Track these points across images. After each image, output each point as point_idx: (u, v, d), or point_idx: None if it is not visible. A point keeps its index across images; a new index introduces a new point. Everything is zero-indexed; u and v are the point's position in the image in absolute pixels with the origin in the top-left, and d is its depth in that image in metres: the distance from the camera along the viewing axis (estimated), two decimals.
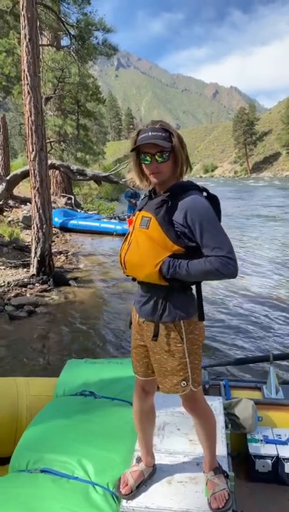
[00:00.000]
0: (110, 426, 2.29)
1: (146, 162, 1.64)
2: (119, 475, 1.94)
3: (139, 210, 1.74)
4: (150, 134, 1.61)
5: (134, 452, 2.11)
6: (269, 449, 2.40)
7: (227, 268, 1.57)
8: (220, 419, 2.37)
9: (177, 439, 2.24)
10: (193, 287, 1.74)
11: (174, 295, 1.68)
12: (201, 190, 1.69)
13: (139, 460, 2.02)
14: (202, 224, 1.58)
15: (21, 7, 6.85)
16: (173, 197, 1.64)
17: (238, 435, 2.49)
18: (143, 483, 1.93)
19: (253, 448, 2.41)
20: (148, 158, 1.63)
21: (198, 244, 1.61)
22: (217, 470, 1.94)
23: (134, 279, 1.76)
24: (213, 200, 1.68)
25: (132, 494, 1.86)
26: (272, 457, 2.36)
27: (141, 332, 1.82)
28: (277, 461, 2.36)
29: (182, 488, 1.92)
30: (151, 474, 1.99)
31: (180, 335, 1.69)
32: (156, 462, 2.04)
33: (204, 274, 1.60)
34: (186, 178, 1.74)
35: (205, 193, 1.69)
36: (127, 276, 1.76)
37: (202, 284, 1.76)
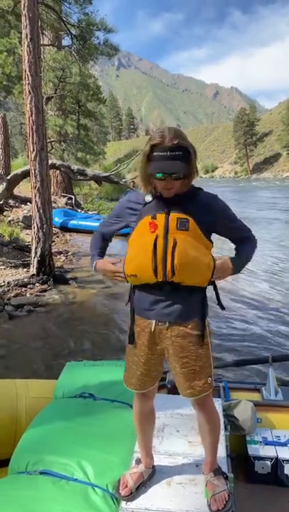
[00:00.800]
0: (110, 428, 2.29)
1: (159, 178, 1.60)
2: (119, 477, 1.94)
3: (153, 213, 1.66)
4: (169, 154, 1.55)
5: (133, 454, 2.11)
6: (268, 451, 2.40)
7: (256, 246, 1.87)
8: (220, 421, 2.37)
9: (177, 440, 2.25)
10: None
11: (199, 294, 1.74)
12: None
13: (138, 461, 2.02)
14: (229, 214, 1.76)
15: (23, 6, 6.85)
16: (193, 198, 1.68)
17: (238, 437, 2.49)
18: (142, 485, 1.93)
19: (252, 449, 2.41)
20: (162, 176, 1.58)
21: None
22: (217, 471, 1.94)
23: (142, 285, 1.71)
24: None
25: (132, 496, 1.86)
26: (272, 459, 2.36)
27: (157, 340, 1.75)
28: (277, 463, 2.36)
29: (181, 490, 1.92)
30: (151, 476, 1.99)
31: (206, 332, 1.75)
32: (155, 464, 2.04)
33: (251, 258, 1.86)
34: None
35: None
36: (157, 283, 1.66)
37: None
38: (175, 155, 1.55)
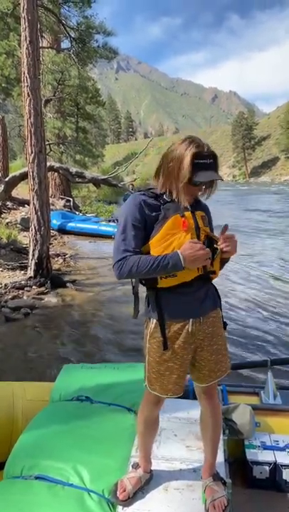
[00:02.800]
0: (106, 432, 2.26)
1: (196, 185, 1.65)
2: (115, 481, 1.92)
3: (180, 212, 1.67)
4: (209, 161, 1.61)
5: (130, 458, 2.09)
6: (267, 456, 2.38)
7: None
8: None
9: (174, 445, 2.22)
10: None
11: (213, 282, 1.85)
12: None
13: (136, 466, 1.99)
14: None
15: (22, 9, 6.86)
16: (198, 201, 1.81)
17: (236, 441, 2.47)
18: (139, 490, 1.91)
19: (251, 454, 2.39)
20: (201, 185, 1.70)
21: None
22: (216, 476, 1.92)
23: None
24: None
25: (129, 501, 1.84)
26: (270, 463, 2.34)
27: (192, 339, 1.73)
28: (275, 468, 2.34)
29: (179, 496, 1.89)
30: (148, 481, 1.97)
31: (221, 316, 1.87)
32: (153, 468, 2.02)
33: None
34: None
35: None
36: (194, 278, 1.67)
37: None
38: (214, 162, 1.63)
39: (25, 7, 6.78)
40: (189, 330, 1.71)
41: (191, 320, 1.71)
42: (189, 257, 1.57)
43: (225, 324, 1.88)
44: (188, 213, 1.68)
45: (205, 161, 1.59)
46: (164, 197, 1.70)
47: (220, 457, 2.07)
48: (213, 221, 1.88)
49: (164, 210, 1.67)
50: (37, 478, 1.94)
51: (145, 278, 1.69)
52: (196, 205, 1.76)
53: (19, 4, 7.20)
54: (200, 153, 1.59)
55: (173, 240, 1.63)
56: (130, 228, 1.66)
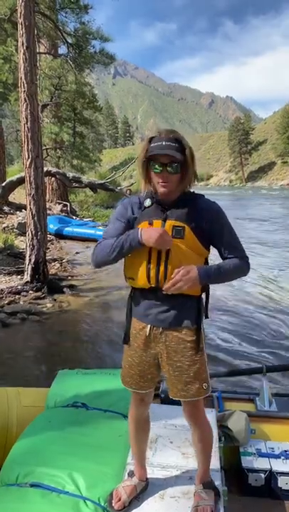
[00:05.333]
0: (102, 438, 2.26)
1: (156, 171, 1.64)
2: (111, 489, 1.91)
3: (150, 219, 1.68)
4: (164, 143, 1.60)
5: (126, 466, 2.08)
6: (262, 463, 2.38)
7: (248, 267, 1.75)
8: (212, 432, 2.35)
9: (170, 452, 2.22)
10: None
11: (194, 301, 1.73)
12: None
13: (131, 474, 1.99)
14: (227, 226, 1.72)
15: (19, 15, 6.88)
16: (191, 204, 1.68)
17: (231, 448, 2.46)
18: (135, 498, 1.90)
19: (246, 461, 2.39)
20: (158, 167, 1.63)
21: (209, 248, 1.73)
22: (208, 484, 1.91)
23: (149, 290, 1.70)
24: None
25: (125, 510, 1.83)
26: (265, 471, 2.34)
27: (151, 344, 1.76)
28: (270, 475, 2.34)
29: (175, 504, 1.89)
30: (144, 489, 1.96)
31: (201, 338, 1.74)
32: (148, 476, 2.01)
33: (231, 275, 1.73)
34: None
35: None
36: (151, 288, 1.69)
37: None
38: (170, 145, 1.60)
39: (23, 13, 6.81)
40: (147, 333, 1.75)
41: (149, 325, 1.74)
42: (145, 233, 1.62)
43: (199, 349, 1.73)
44: (157, 222, 1.66)
45: (160, 143, 1.60)
46: (147, 202, 1.72)
47: (215, 464, 2.07)
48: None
49: (140, 216, 1.72)
50: (32, 485, 1.92)
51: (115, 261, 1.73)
52: (181, 211, 1.66)
53: (16, 10, 7.21)
54: (155, 137, 1.63)
55: None
56: (113, 221, 1.78)
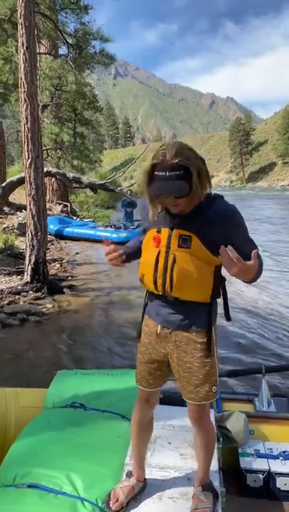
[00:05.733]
0: (100, 439, 2.25)
1: (161, 198, 1.63)
2: (109, 490, 1.91)
3: (158, 227, 1.68)
4: (167, 174, 1.52)
5: (124, 466, 2.08)
6: (260, 464, 2.37)
7: (262, 268, 1.63)
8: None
9: (168, 453, 2.21)
10: None
11: (205, 306, 1.72)
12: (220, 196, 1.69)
13: (129, 475, 1.98)
14: (243, 226, 1.66)
15: (19, 15, 6.89)
16: (204, 211, 1.63)
17: (230, 449, 2.46)
18: (133, 499, 1.90)
19: (245, 462, 2.38)
20: (163, 198, 1.61)
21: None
22: (207, 486, 1.91)
23: (158, 296, 1.73)
24: None
25: (122, 510, 1.83)
26: (264, 472, 2.34)
27: (162, 343, 1.77)
28: (269, 476, 2.33)
29: (173, 505, 1.88)
30: (142, 489, 1.96)
31: (212, 341, 1.73)
32: (146, 477, 2.01)
33: (260, 271, 1.61)
34: None
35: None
36: (158, 295, 1.71)
37: None
38: (174, 175, 1.51)
39: (23, 13, 6.81)
40: (158, 332, 1.77)
41: (160, 325, 1.76)
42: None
43: (210, 352, 1.72)
44: (165, 230, 1.65)
45: (164, 173, 1.52)
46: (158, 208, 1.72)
47: (214, 465, 2.07)
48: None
49: (151, 222, 1.73)
50: (29, 486, 1.91)
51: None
52: (190, 219, 1.63)
53: (16, 10, 7.22)
54: (159, 165, 1.54)
55: (145, 252, 1.74)
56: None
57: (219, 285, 1.71)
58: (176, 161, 1.51)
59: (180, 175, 1.51)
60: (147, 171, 1.58)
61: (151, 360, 1.81)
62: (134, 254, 1.90)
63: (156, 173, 1.55)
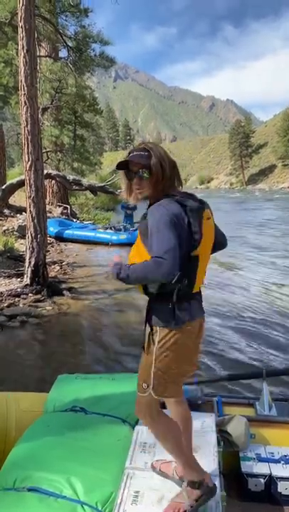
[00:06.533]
0: (101, 443, 2.24)
1: (131, 179, 1.80)
2: (109, 494, 1.90)
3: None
4: (134, 153, 1.77)
5: (124, 470, 2.07)
6: (262, 468, 2.36)
7: (158, 268, 1.56)
8: (212, 437, 2.33)
9: (170, 456, 2.19)
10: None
11: (156, 302, 1.76)
12: (176, 198, 1.71)
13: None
14: (152, 229, 1.66)
15: (19, 19, 6.90)
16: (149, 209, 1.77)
17: (231, 453, 2.45)
18: (132, 502, 1.88)
19: (246, 466, 2.37)
20: (132, 175, 1.78)
21: None
22: (191, 484, 1.87)
23: None
24: (186, 207, 1.69)
25: None
26: (265, 476, 2.32)
27: None
28: (270, 480, 2.32)
29: None
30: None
31: (154, 339, 1.75)
32: (147, 480, 2.00)
33: (144, 276, 1.63)
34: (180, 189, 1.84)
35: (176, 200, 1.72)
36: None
37: None
38: (137, 153, 1.76)
39: (23, 16, 6.83)
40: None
41: None
42: None
43: (148, 350, 1.77)
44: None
45: (132, 153, 1.78)
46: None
47: (215, 469, 2.06)
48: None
49: None
50: (30, 490, 1.91)
51: None
52: (144, 217, 1.77)
53: (17, 14, 7.23)
54: (131, 150, 1.83)
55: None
56: None
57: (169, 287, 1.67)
58: (143, 146, 1.79)
59: (143, 154, 1.75)
60: (125, 157, 1.79)
61: None
62: None
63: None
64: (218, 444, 2.31)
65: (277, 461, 2.39)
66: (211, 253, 1.90)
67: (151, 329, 1.77)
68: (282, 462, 2.38)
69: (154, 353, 1.75)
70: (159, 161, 1.73)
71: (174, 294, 1.69)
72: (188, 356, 1.82)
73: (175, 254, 1.57)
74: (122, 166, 1.80)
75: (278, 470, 2.33)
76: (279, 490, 2.29)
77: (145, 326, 1.81)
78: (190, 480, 1.88)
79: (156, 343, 1.75)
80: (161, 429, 1.90)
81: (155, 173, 1.73)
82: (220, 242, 1.95)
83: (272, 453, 2.45)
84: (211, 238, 1.82)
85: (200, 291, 1.86)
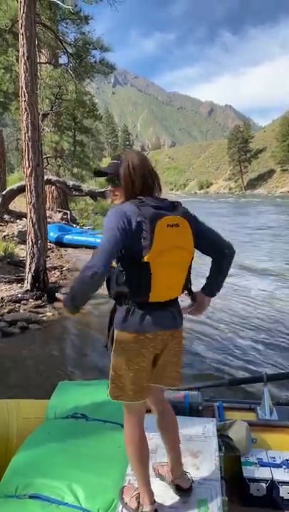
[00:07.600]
0: (102, 450, 2.24)
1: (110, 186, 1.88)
2: (111, 500, 1.90)
3: None
4: (110, 161, 1.86)
5: (125, 477, 2.07)
6: (263, 472, 2.35)
7: (84, 274, 1.62)
8: (213, 442, 2.33)
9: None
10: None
11: (116, 305, 1.86)
12: (136, 203, 1.72)
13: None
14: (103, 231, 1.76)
15: (20, 26, 6.95)
16: None
17: (232, 458, 2.44)
18: (135, 510, 1.87)
19: (247, 471, 2.36)
20: (109, 182, 1.87)
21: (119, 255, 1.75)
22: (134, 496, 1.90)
23: None
24: (146, 207, 1.70)
25: None
26: (267, 481, 2.31)
27: None
28: (272, 485, 2.31)
29: None
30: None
31: (109, 339, 1.88)
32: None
33: (80, 288, 1.67)
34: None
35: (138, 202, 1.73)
36: None
37: None
38: (113, 162, 1.84)
39: (24, 24, 6.88)
40: None
41: None
42: None
43: (108, 348, 1.89)
44: None
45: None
46: None
47: (216, 474, 2.06)
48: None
49: None
50: (31, 497, 1.91)
51: None
52: None
53: (17, 21, 7.29)
54: None
55: None
56: None
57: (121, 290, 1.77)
58: (119, 154, 1.88)
59: (116, 163, 1.82)
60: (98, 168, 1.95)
61: None
62: None
63: None
64: (220, 448, 2.31)
65: (278, 466, 2.38)
66: (211, 256, 1.94)
67: (109, 329, 1.88)
68: (284, 467, 2.38)
69: (112, 356, 1.84)
70: (127, 170, 1.78)
71: (126, 298, 1.78)
72: (142, 365, 1.80)
73: (102, 254, 1.64)
74: (101, 173, 1.88)
75: (280, 474, 2.33)
76: (281, 494, 2.28)
77: (109, 326, 1.89)
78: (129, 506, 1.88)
79: (113, 345, 1.84)
80: (127, 439, 1.91)
81: (123, 181, 1.79)
82: (216, 250, 1.91)
83: (273, 457, 2.44)
84: (173, 245, 1.70)
85: (176, 303, 1.85)
